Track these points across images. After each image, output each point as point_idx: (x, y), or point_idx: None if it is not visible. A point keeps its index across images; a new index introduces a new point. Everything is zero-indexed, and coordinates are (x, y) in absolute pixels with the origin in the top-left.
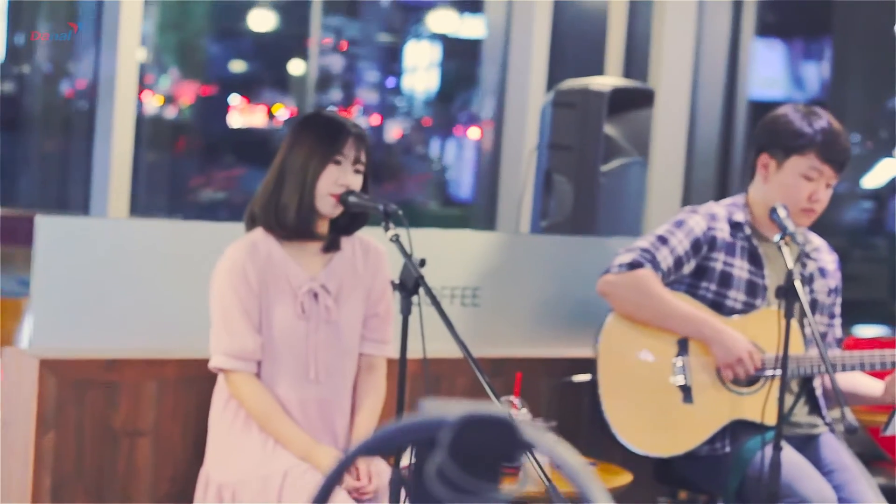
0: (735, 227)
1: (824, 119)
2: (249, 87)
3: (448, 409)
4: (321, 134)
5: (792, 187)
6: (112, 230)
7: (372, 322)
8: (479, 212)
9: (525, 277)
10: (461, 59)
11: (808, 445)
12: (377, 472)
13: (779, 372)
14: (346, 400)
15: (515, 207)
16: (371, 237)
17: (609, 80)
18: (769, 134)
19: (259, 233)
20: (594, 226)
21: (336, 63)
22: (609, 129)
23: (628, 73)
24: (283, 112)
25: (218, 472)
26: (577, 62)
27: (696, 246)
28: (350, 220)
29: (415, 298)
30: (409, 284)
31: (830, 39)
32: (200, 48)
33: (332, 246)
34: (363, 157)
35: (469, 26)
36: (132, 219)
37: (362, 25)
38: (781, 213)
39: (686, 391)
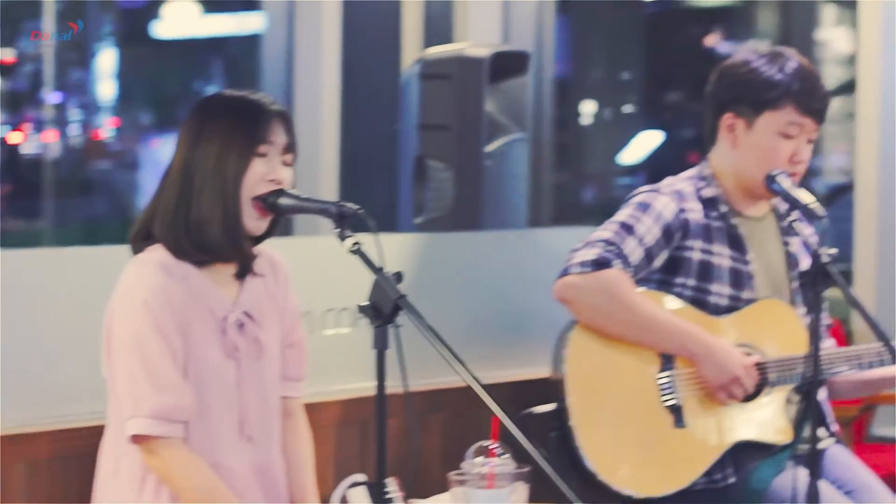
0: (708, 204)
1: (794, 60)
2: None
3: None
4: (236, 118)
5: (769, 149)
6: None
7: (287, 355)
8: None
9: (439, 286)
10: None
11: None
12: None
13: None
14: (280, 460)
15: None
16: (271, 248)
17: (482, 45)
18: (731, 88)
19: (160, 251)
20: (479, 218)
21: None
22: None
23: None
24: None
25: None
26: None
27: (667, 234)
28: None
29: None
30: (387, 309)
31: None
32: None
33: (248, 265)
34: (291, 145)
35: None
36: None
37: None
38: (784, 181)
39: (677, 412)
